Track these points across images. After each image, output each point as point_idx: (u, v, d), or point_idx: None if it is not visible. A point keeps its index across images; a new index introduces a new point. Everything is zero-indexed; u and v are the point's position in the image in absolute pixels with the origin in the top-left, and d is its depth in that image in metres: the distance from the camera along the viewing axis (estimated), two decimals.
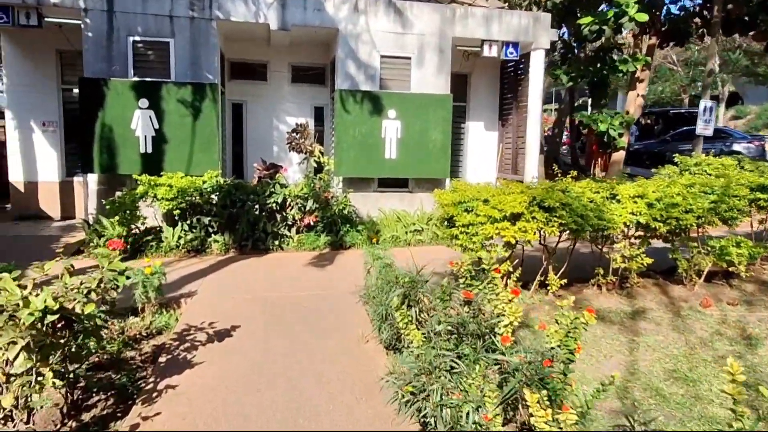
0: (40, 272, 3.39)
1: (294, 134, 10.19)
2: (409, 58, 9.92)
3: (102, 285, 3.42)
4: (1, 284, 3.28)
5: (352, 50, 9.67)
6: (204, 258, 7.98)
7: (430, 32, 9.96)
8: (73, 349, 3.34)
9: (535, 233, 5.41)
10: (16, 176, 10.37)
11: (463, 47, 10.87)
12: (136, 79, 8.70)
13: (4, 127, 11.20)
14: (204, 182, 8.36)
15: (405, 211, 9.86)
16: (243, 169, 11.45)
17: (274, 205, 8.41)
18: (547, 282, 6.22)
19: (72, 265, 3.66)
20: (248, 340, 4.80)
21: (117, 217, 7.85)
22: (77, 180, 10.39)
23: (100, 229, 8.08)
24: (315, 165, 10.26)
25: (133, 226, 8.11)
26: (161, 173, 8.37)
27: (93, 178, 8.88)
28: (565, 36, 16.08)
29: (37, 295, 3.22)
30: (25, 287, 3.27)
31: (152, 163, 8.70)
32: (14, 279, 3.33)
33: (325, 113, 11.77)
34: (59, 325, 3.04)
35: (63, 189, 10.54)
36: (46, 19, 8.84)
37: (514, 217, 5.40)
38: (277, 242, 8.46)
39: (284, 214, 8.59)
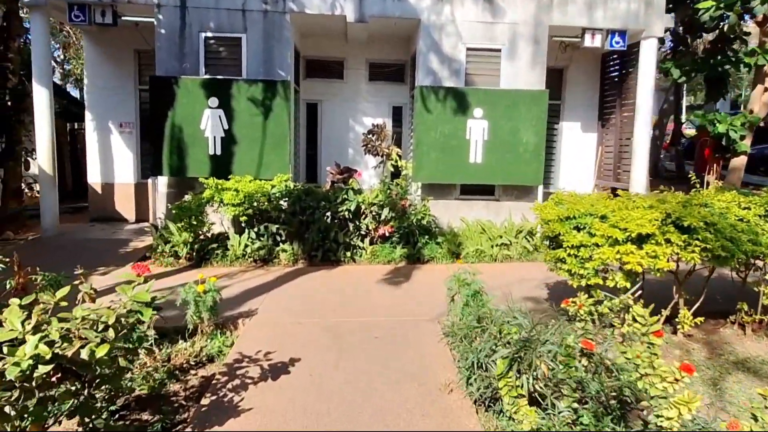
0: (51, 299, 2.74)
1: (370, 136, 9.43)
2: (499, 50, 8.86)
3: (123, 320, 2.72)
4: (5, 314, 2.67)
5: (435, 42, 8.75)
6: (270, 269, 7.36)
7: (524, 20, 8.85)
8: (85, 400, 2.66)
9: (668, 259, 4.23)
10: (93, 177, 10.34)
11: (559, 37, 9.65)
12: (206, 76, 8.26)
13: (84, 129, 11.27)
14: (273, 187, 7.76)
15: (490, 221, 8.80)
16: (317, 173, 10.85)
17: (346, 213, 7.66)
18: (675, 318, 5.01)
19: (94, 289, 3.01)
20: (307, 379, 4.01)
21: (182, 223, 7.41)
22: (151, 182, 10.20)
23: (166, 234, 7.69)
24: (392, 169, 9.44)
25: (199, 232, 7.65)
26: (230, 176, 7.89)
27: (162, 181, 8.55)
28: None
29: (44, 330, 2.57)
30: (32, 317, 2.63)
31: (221, 166, 8.23)
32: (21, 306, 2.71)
33: (404, 113, 10.93)
34: (55, 378, 2.35)
35: (138, 191, 10.39)
36: (122, 18, 8.63)
37: (641, 239, 4.26)
38: (348, 253, 7.69)
39: (357, 223, 7.81)
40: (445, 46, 8.79)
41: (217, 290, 4.85)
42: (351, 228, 7.80)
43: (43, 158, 8.51)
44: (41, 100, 8.38)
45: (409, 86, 10.63)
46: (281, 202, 7.72)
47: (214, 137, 8.19)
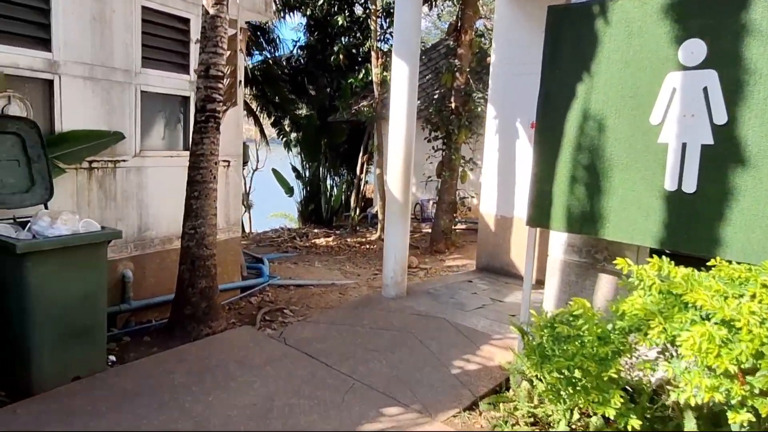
0: None
1: None
2: None
3: None
4: None
5: None
6: None
7: None
8: None
9: None
10: (487, 206, 6.83)
11: None
12: None
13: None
14: None
15: None
16: None
17: None
18: None
19: None
20: None
21: (555, 372, 2.81)
22: (533, 235, 5.86)
23: (529, 366, 3.25)
24: None
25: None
26: (711, 255, 2.78)
27: (559, 239, 4.11)
28: None
29: None
30: None
31: (690, 223, 3.10)
32: None
33: None
34: None
35: (544, 234, 6.23)
36: None
37: None
38: None
39: None
40: None
41: None
42: None
43: (394, 169, 5.42)
44: (400, 80, 5.29)
45: None
46: None
47: (684, 145, 3.12)
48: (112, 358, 4.50)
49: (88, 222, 3.83)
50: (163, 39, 5.33)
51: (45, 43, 4.39)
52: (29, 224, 3.66)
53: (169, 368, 3.98)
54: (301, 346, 4.44)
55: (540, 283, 6.14)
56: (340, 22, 14.84)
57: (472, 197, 11.33)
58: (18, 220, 3.94)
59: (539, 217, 3.80)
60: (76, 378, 3.74)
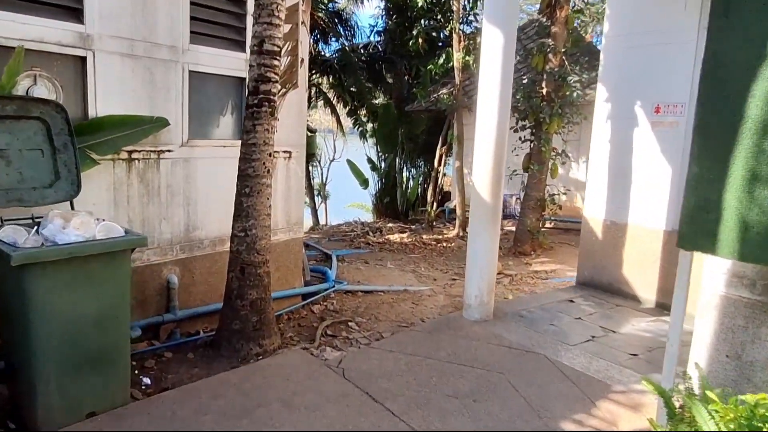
0: None
1: None
2: None
3: None
4: None
5: None
6: None
7: None
8: None
9: None
10: (593, 209, 5.62)
11: None
12: None
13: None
14: None
15: None
16: None
17: None
18: None
19: None
20: None
21: None
22: (685, 261, 4.57)
23: None
24: None
25: None
26: None
27: (718, 266, 2.93)
28: None
29: None
30: None
31: None
32: None
33: None
34: None
35: (670, 247, 4.97)
36: None
37: None
38: None
39: None
40: None
41: None
42: None
43: (482, 166, 4.40)
44: (492, 54, 4.25)
45: None
46: None
47: None
48: (147, 380, 3.87)
49: (108, 225, 3.15)
50: (216, 11, 4.62)
51: (76, 14, 3.77)
52: (37, 227, 3.02)
53: (202, 406, 3.25)
54: (363, 383, 3.58)
55: (663, 307, 4.96)
56: (419, 4, 13.87)
57: (564, 194, 10.05)
58: (36, 219, 3.35)
59: (696, 236, 2.66)
60: (91, 414, 3.09)
